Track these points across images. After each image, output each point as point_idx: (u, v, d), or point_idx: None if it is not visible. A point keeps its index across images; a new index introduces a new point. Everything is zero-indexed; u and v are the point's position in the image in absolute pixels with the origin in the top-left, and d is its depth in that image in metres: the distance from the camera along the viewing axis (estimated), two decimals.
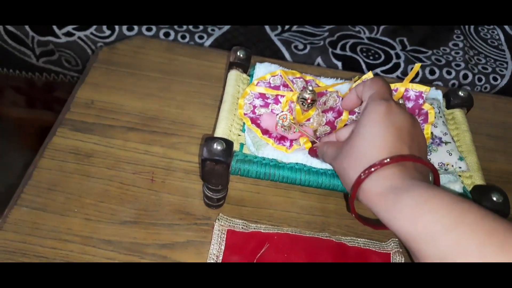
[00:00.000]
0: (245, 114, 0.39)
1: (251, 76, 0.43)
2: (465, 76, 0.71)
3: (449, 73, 0.70)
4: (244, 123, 0.39)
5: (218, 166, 0.35)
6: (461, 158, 0.37)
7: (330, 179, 0.36)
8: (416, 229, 0.26)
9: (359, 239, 0.41)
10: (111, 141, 0.45)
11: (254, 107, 0.40)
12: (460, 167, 0.36)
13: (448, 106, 0.43)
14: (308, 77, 0.43)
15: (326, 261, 0.38)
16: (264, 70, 0.42)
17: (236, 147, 0.37)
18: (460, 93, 0.42)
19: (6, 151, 0.94)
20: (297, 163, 0.37)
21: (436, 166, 0.37)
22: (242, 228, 0.40)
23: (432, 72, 0.70)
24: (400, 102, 0.35)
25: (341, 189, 0.36)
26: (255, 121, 0.39)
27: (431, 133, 0.38)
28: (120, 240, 0.38)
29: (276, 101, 0.40)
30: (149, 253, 0.37)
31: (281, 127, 0.37)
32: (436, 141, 0.37)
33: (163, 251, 0.38)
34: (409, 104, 0.40)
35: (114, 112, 0.47)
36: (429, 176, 0.32)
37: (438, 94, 0.43)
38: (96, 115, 0.46)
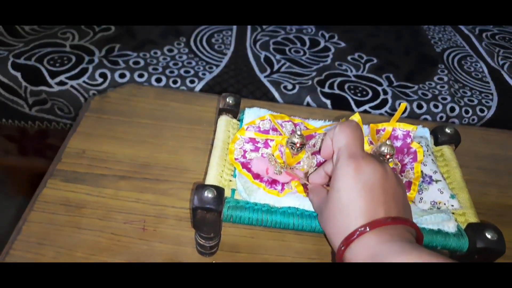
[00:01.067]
0: (236, 159, 0.39)
1: (241, 121, 0.44)
2: (452, 109, 0.72)
3: (436, 106, 0.72)
4: (235, 168, 0.39)
5: (209, 214, 0.34)
6: (452, 196, 0.37)
7: None
8: None
9: None
10: (102, 191, 0.44)
11: (245, 151, 0.40)
12: (452, 205, 0.36)
13: (436, 143, 0.44)
14: (297, 120, 0.43)
15: None
16: (253, 115, 0.43)
17: (227, 193, 0.37)
18: (447, 130, 0.43)
19: None
20: (289, 207, 0.37)
21: (429, 205, 0.37)
22: None
23: (419, 106, 0.72)
24: (388, 143, 0.36)
25: None
26: (246, 165, 0.39)
27: (421, 171, 0.38)
28: None
29: (266, 145, 0.40)
30: None
31: (274, 169, 0.37)
32: (427, 180, 0.38)
33: None
34: (397, 143, 0.40)
35: (105, 161, 0.47)
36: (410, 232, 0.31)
37: (425, 131, 0.44)
38: (88, 165, 0.46)
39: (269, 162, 0.38)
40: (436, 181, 0.37)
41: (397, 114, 0.41)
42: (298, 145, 0.36)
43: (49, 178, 0.44)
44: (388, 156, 0.36)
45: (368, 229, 0.28)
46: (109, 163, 0.47)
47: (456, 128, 0.45)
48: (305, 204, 0.37)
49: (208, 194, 0.34)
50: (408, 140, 0.40)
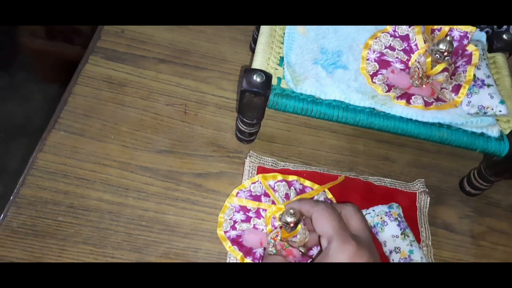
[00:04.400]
0: (225, 232, 0.36)
1: None
2: None
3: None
4: (281, 57, 0.38)
5: (256, 98, 0.35)
6: (502, 102, 0.36)
7: (368, 117, 0.36)
8: None
9: (385, 179, 0.42)
10: (143, 72, 0.44)
11: (235, 222, 0.36)
12: (500, 111, 0.36)
13: (490, 50, 0.42)
14: (291, 177, 0.39)
15: (353, 199, 0.39)
16: None
17: (273, 81, 0.37)
18: (504, 37, 0.41)
19: (24, 82, 0.94)
20: (334, 100, 0.37)
21: (476, 109, 0.36)
22: (271, 165, 0.40)
23: None
24: (448, 39, 0.34)
25: (378, 128, 0.36)
26: (236, 240, 0.36)
27: (474, 75, 0.37)
28: (157, 168, 0.39)
29: (258, 214, 0.36)
30: (184, 181, 0.39)
31: (273, 246, 0.34)
32: (478, 83, 0.37)
33: (198, 179, 0.39)
34: (454, 44, 0.38)
35: (144, 43, 0.46)
36: None
37: (482, 36, 0.42)
38: (127, 45, 0.46)
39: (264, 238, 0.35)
40: (488, 85, 0.37)
41: None
42: (292, 224, 0.32)
43: (91, 54, 0.44)
44: (446, 54, 0.34)
45: None
46: (148, 45, 0.46)
47: None
48: (351, 98, 0.37)
49: (257, 78, 0.34)
50: (465, 42, 0.38)
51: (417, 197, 0.41)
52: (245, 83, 0.34)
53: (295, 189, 0.38)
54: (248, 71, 0.35)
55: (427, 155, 0.45)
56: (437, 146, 0.45)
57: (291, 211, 0.32)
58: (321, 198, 0.38)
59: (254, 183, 0.38)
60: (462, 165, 0.45)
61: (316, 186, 0.39)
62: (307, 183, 0.39)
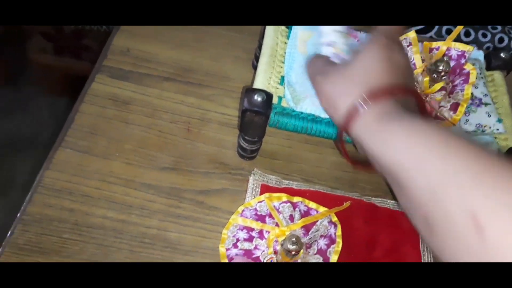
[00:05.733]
0: (227, 249, 0.36)
1: (289, 28, 0.43)
2: (501, 40, 0.68)
3: (484, 35, 0.68)
4: (282, 76, 0.39)
5: (257, 117, 0.35)
6: (499, 120, 0.37)
7: None
8: (408, 158, 0.25)
9: (388, 201, 0.42)
10: (147, 90, 0.45)
11: (238, 240, 0.37)
12: (497, 129, 0.36)
13: (488, 68, 0.43)
14: (296, 199, 0.39)
15: (356, 221, 0.40)
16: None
17: (274, 100, 0.38)
18: (502, 55, 0.42)
19: (32, 97, 0.96)
20: None
21: (474, 127, 0.37)
22: (275, 183, 0.41)
23: (467, 34, 0.68)
24: (445, 59, 0.35)
25: None
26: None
27: (471, 93, 0.37)
28: (160, 185, 0.40)
29: (261, 235, 0.37)
30: (187, 198, 0.39)
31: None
32: (476, 102, 0.37)
33: (200, 196, 0.40)
34: (451, 63, 0.39)
35: (149, 61, 0.47)
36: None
37: (479, 54, 0.42)
38: (132, 63, 0.47)
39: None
40: (486, 104, 0.37)
41: (454, 33, 0.39)
42: (293, 252, 0.33)
43: (97, 73, 0.45)
44: (442, 73, 0.35)
45: (389, 92, 0.29)
46: (153, 64, 0.47)
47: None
48: None
49: (258, 98, 0.35)
50: (462, 61, 0.39)
51: None
52: (247, 102, 0.35)
53: (299, 210, 0.39)
54: (249, 90, 0.35)
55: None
56: None
57: (293, 239, 0.33)
58: (325, 222, 0.38)
59: (260, 202, 0.39)
60: None
61: (321, 209, 0.39)
62: (312, 204, 0.40)
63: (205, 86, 0.47)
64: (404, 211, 0.28)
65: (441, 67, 0.35)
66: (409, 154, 0.25)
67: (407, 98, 0.30)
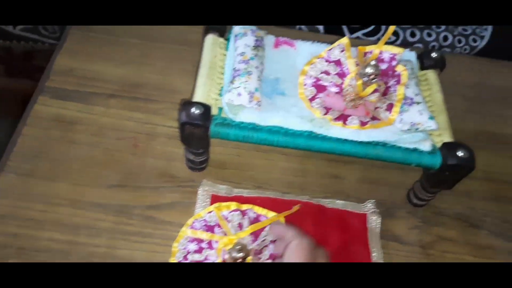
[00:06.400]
0: (177, 262, 0.36)
1: (228, 40, 0.43)
2: (445, 38, 0.71)
3: (429, 35, 0.71)
4: (222, 87, 0.40)
5: (197, 130, 0.36)
6: (431, 117, 0.38)
7: (307, 140, 0.38)
8: None
9: (337, 201, 0.43)
10: (93, 108, 0.45)
11: (188, 252, 0.37)
12: (430, 126, 0.38)
13: (422, 68, 0.45)
14: (245, 207, 0.40)
15: (306, 224, 0.40)
16: (242, 32, 0.42)
17: (214, 111, 0.38)
18: (433, 55, 0.44)
19: None
20: (274, 126, 0.38)
21: (408, 125, 0.38)
22: (225, 193, 0.41)
23: (412, 34, 0.71)
24: (372, 63, 0.36)
25: (317, 150, 0.38)
26: None
27: (403, 93, 0.39)
28: (108, 203, 0.39)
29: (210, 245, 0.37)
30: (136, 214, 0.39)
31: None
32: (408, 102, 0.39)
33: (150, 211, 0.40)
34: (383, 66, 0.41)
35: (94, 80, 0.47)
36: None
37: (411, 55, 0.44)
38: (76, 83, 0.47)
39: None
40: (417, 103, 0.39)
41: (385, 37, 0.41)
42: (240, 260, 0.34)
43: (39, 94, 0.45)
44: (372, 76, 0.37)
45: None
46: (98, 82, 0.47)
47: (444, 55, 0.45)
48: (290, 123, 0.38)
49: (195, 110, 0.35)
50: (394, 63, 0.40)
51: (368, 218, 0.42)
52: (184, 115, 0.35)
53: (249, 218, 0.39)
54: (186, 104, 0.36)
55: (375, 170, 0.46)
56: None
57: (238, 247, 0.34)
58: (274, 227, 0.39)
59: (210, 212, 0.39)
60: (409, 177, 0.46)
61: (270, 214, 0.40)
62: (261, 211, 0.40)
63: (152, 101, 0.47)
64: None
65: (370, 71, 0.36)
66: None
67: None
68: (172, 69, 0.50)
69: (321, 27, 0.68)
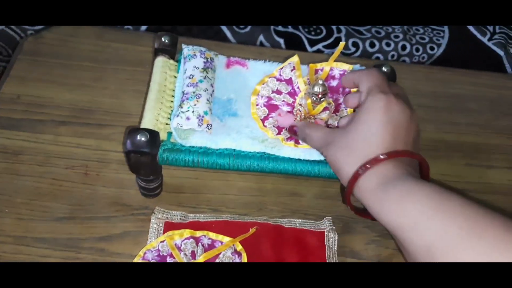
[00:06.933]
0: None
1: (179, 61, 0.43)
2: (404, 47, 0.73)
3: (388, 45, 0.72)
4: (171, 111, 0.39)
5: (144, 158, 0.35)
6: None
7: (259, 162, 0.37)
8: (402, 220, 0.29)
9: (295, 220, 0.42)
10: (41, 137, 0.43)
11: None
12: None
13: None
14: (199, 233, 0.38)
15: (264, 246, 0.40)
16: (191, 54, 0.41)
17: (163, 136, 0.37)
18: (384, 69, 0.44)
19: None
20: (226, 149, 0.38)
21: None
22: (180, 219, 0.40)
23: (372, 45, 0.72)
24: (320, 82, 0.36)
25: (269, 171, 0.37)
26: None
27: (354, 109, 0.39)
28: (55, 237, 0.38)
29: None
30: (85, 247, 0.38)
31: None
32: None
33: (100, 244, 0.38)
34: (334, 83, 0.41)
35: (43, 106, 0.46)
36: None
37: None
38: (23, 111, 0.45)
39: None
40: None
41: (335, 54, 0.41)
42: (319, 95, 0.36)
43: None
44: (320, 96, 0.36)
45: (387, 158, 0.31)
46: (47, 108, 0.46)
47: (399, 68, 0.46)
48: (242, 145, 0.38)
49: (141, 138, 0.34)
50: None
51: (325, 235, 0.41)
52: (129, 144, 0.34)
53: (202, 245, 0.38)
54: (132, 131, 0.35)
55: (333, 185, 0.46)
56: None
57: (320, 81, 0.36)
58: (228, 253, 0.38)
59: (162, 241, 0.38)
60: None
61: (225, 239, 0.39)
62: (216, 236, 0.39)
63: (104, 126, 0.46)
64: (405, 259, 0.33)
65: (318, 90, 0.36)
66: (401, 217, 0.29)
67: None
68: (125, 91, 0.49)
69: (281, 41, 0.68)
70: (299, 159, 0.38)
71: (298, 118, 0.39)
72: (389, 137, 0.32)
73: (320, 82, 0.36)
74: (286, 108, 0.40)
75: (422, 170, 0.35)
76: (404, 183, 0.30)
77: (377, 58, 0.72)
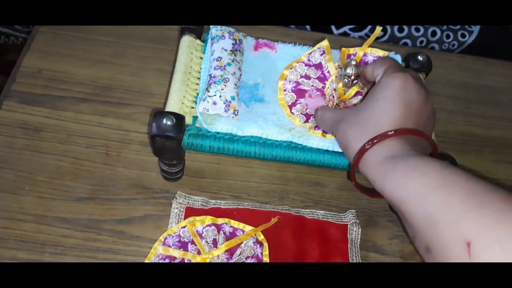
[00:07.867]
0: None
1: (205, 41, 0.41)
2: (434, 33, 0.69)
3: (417, 30, 0.69)
4: (198, 94, 0.38)
5: (169, 142, 0.34)
6: None
7: (285, 151, 0.36)
8: (407, 192, 0.28)
9: (318, 211, 0.41)
10: (62, 114, 0.43)
11: None
12: None
13: None
14: (221, 220, 0.38)
15: (285, 236, 0.39)
16: (219, 34, 0.39)
17: (189, 121, 0.36)
18: (419, 57, 0.42)
19: None
20: (252, 136, 0.36)
21: None
22: (201, 205, 0.39)
23: (400, 30, 0.69)
24: (353, 63, 0.35)
25: (296, 161, 0.36)
26: None
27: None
28: (76, 217, 0.37)
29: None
30: (106, 229, 0.37)
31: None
32: None
33: (121, 226, 0.38)
34: None
35: (64, 82, 0.45)
36: (428, 151, 0.34)
37: (397, 58, 0.42)
38: (44, 86, 0.44)
39: None
40: None
41: (371, 39, 0.39)
42: (352, 77, 0.35)
43: (4, 99, 0.42)
44: (353, 77, 0.35)
45: (395, 134, 0.31)
46: (68, 84, 0.44)
47: (430, 55, 0.43)
48: (268, 133, 0.36)
49: (167, 122, 0.33)
50: None
51: (348, 229, 0.40)
52: (155, 127, 0.33)
53: (224, 233, 0.37)
54: (157, 114, 0.34)
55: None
56: None
57: (353, 61, 0.35)
58: (250, 242, 0.37)
59: (184, 227, 0.37)
60: None
61: (247, 228, 0.38)
62: (238, 225, 0.38)
63: (125, 105, 0.45)
64: (409, 236, 0.32)
65: (350, 71, 0.35)
66: (407, 189, 0.28)
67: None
68: (148, 69, 0.48)
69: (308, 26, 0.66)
70: (327, 150, 0.36)
71: (330, 103, 0.37)
72: (400, 115, 0.31)
73: (353, 63, 0.34)
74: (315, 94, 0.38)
75: (432, 154, 0.34)
76: (410, 158, 0.29)
77: (405, 44, 0.69)
